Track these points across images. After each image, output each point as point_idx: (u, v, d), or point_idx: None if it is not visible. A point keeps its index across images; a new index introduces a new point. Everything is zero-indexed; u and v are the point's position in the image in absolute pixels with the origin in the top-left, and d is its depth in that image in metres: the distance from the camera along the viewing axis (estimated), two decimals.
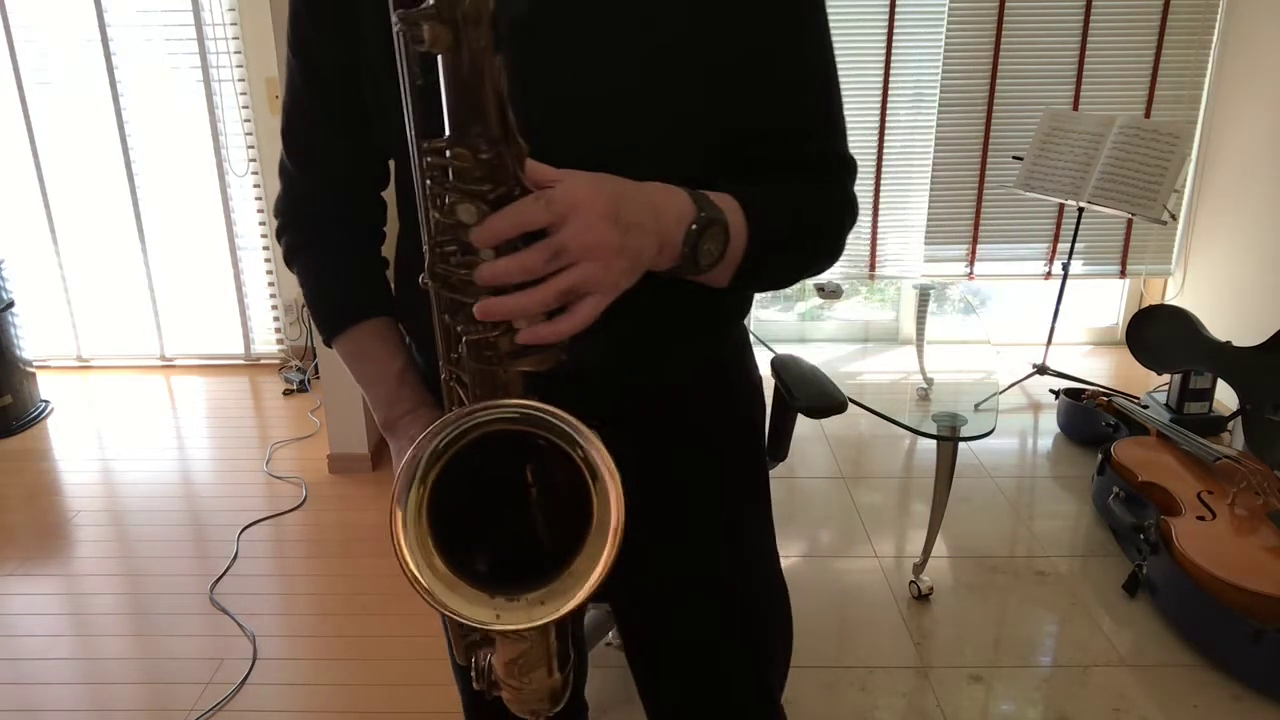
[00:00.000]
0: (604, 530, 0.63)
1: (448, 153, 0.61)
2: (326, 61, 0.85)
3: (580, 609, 0.65)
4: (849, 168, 0.87)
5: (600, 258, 0.63)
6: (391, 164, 0.92)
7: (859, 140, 3.58)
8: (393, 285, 0.96)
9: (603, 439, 0.64)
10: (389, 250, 0.97)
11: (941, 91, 3.54)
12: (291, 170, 0.93)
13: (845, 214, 0.87)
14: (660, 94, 0.77)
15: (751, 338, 1.07)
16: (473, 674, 0.83)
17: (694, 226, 0.71)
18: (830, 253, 0.88)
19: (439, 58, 0.58)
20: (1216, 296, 3.52)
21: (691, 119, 0.79)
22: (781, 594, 1.04)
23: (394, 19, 0.57)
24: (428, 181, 0.63)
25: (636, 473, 0.84)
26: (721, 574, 0.97)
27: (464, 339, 0.67)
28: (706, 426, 0.94)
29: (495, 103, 0.59)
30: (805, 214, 0.83)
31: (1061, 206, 3.61)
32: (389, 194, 0.95)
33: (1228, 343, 2.93)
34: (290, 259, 0.96)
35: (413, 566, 0.63)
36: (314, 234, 0.95)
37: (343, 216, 0.94)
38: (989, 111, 3.59)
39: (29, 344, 3.38)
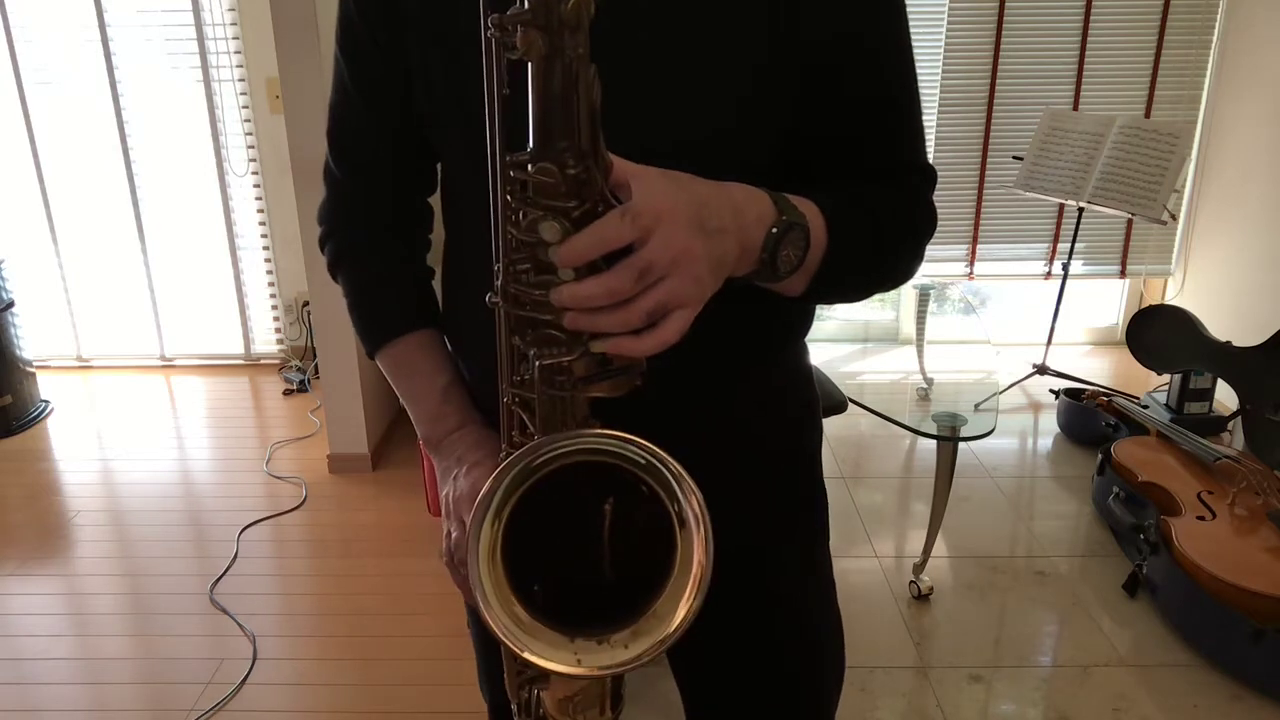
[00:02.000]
0: (687, 570, 0.60)
1: (530, 167, 0.58)
2: (376, 65, 0.83)
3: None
4: (928, 176, 0.84)
5: (687, 270, 0.60)
6: (439, 173, 0.89)
7: None
8: (440, 298, 0.93)
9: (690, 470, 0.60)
10: (434, 260, 0.95)
11: (941, 91, 3.54)
12: (337, 175, 0.90)
13: (925, 222, 0.83)
14: (729, 97, 0.74)
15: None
16: (515, 705, 0.79)
17: (774, 230, 0.67)
18: (909, 263, 0.84)
19: (529, 66, 0.55)
20: (1216, 296, 3.52)
21: (761, 125, 0.76)
22: (840, 632, 1.00)
23: (486, 23, 0.55)
24: (507, 197, 0.60)
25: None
26: (783, 603, 0.93)
27: (537, 363, 0.63)
28: (768, 449, 0.91)
29: (588, 114, 0.56)
30: (886, 222, 0.79)
31: (1061, 206, 3.61)
32: (435, 200, 0.92)
33: (1228, 343, 2.93)
34: (334, 268, 0.93)
35: (496, 608, 0.60)
36: (358, 242, 0.92)
37: (388, 224, 0.91)
38: (989, 111, 3.59)
39: (29, 344, 3.38)
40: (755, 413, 0.89)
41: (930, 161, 0.84)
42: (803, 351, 0.95)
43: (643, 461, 0.60)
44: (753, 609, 0.93)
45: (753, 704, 0.95)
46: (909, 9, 0.79)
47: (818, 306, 0.93)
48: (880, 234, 0.79)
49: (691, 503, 0.60)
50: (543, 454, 0.60)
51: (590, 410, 0.66)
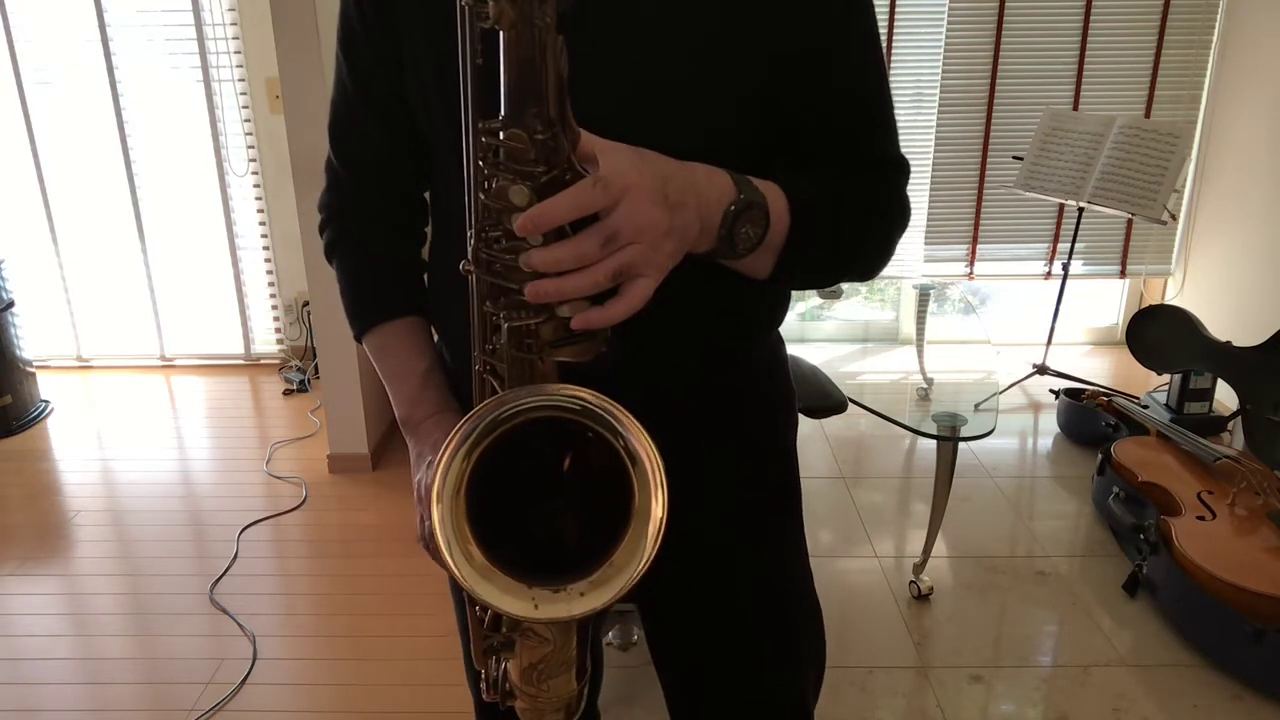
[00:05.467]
0: (644, 522, 0.62)
1: (501, 134, 0.60)
2: (372, 57, 0.85)
3: (607, 610, 0.64)
4: (901, 168, 0.86)
5: (651, 239, 0.63)
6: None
7: None
8: (428, 283, 0.96)
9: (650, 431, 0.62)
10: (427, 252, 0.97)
11: (941, 91, 3.54)
12: (337, 167, 0.94)
13: (895, 214, 0.85)
14: (708, 91, 0.76)
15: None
16: (483, 685, 0.80)
17: (732, 208, 0.70)
18: (878, 253, 0.86)
19: (500, 36, 0.57)
20: (1216, 296, 3.52)
21: (739, 117, 0.78)
22: (816, 606, 1.02)
23: None
24: (479, 163, 0.62)
25: (671, 477, 0.82)
26: (757, 584, 0.95)
27: (505, 326, 0.66)
28: (744, 433, 0.93)
29: (555, 83, 0.58)
30: (853, 210, 0.81)
31: (1061, 206, 3.61)
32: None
33: (1228, 343, 2.93)
34: (330, 253, 0.97)
35: (454, 550, 0.62)
36: (354, 230, 0.95)
37: (385, 215, 0.94)
38: (989, 111, 3.58)
39: (29, 344, 3.38)
40: (728, 398, 0.91)
41: (903, 154, 0.86)
42: (777, 342, 0.98)
43: (596, 411, 0.62)
44: (728, 597, 0.94)
45: (730, 693, 0.96)
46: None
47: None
48: (846, 216, 0.81)
49: (647, 454, 0.62)
50: (506, 407, 0.62)
51: (563, 376, 0.68)
